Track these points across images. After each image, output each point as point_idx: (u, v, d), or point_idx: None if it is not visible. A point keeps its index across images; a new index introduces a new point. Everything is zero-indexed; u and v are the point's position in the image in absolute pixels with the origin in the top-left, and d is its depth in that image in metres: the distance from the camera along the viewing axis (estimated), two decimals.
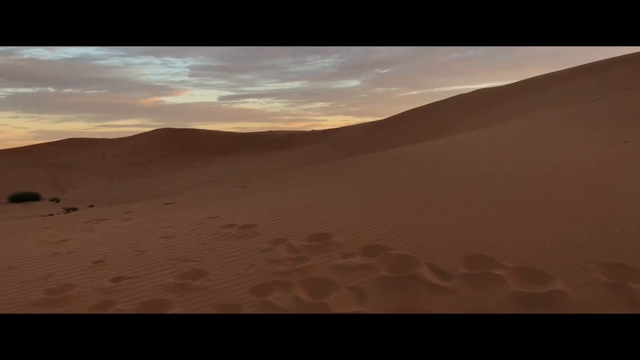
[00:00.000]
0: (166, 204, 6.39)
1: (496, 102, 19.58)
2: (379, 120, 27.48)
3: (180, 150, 35.41)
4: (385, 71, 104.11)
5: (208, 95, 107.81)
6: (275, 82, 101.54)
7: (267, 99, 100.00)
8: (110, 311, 2.64)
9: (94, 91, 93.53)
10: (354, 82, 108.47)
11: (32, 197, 26.27)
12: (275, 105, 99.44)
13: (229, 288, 2.86)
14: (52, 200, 26.14)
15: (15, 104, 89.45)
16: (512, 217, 3.65)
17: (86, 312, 2.66)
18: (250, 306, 2.58)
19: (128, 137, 44.42)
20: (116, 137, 49.23)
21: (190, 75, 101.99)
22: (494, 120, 14.40)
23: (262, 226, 3.91)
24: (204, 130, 40.64)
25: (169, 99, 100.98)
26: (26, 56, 76.39)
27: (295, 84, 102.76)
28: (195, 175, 26.60)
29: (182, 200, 6.58)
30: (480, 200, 4.07)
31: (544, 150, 6.69)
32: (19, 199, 25.72)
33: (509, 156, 6.19)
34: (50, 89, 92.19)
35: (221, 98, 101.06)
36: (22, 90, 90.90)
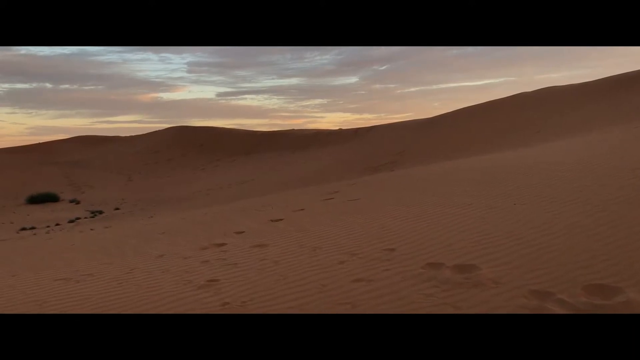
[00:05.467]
0: (273, 220, 5.49)
1: (579, 102, 18.12)
2: (425, 119, 26.12)
3: (199, 149, 34.41)
4: (383, 68, 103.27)
5: (206, 92, 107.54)
6: (273, 79, 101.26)
7: (265, 96, 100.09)
8: None
9: (91, 87, 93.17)
10: (352, 79, 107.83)
11: (51, 198, 25.45)
12: (274, 102, 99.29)
13: None
14: (71, 201, 25.29)
15: (12, 99, 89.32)
16: None
17: None
18: None
19: (141, 135, 43.37)
20: (115, 134, 48.50)
21: (188, 72, 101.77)
22: (604, 120, 13.08)
23: (490, 270, 3.00)
24: (223, 128, 39.53)
25: (167, 95, 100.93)
26: (23, 52, 75.92)
27: (293, 81, 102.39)
28: (221, 176, 25.63)
29: (289, 215, 5.66)
30: None
31: None
32: (38, 200, 24.91)
33: None
34: (48, 85, 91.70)
35: (219, 94, 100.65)
36: (19, 86, 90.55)
